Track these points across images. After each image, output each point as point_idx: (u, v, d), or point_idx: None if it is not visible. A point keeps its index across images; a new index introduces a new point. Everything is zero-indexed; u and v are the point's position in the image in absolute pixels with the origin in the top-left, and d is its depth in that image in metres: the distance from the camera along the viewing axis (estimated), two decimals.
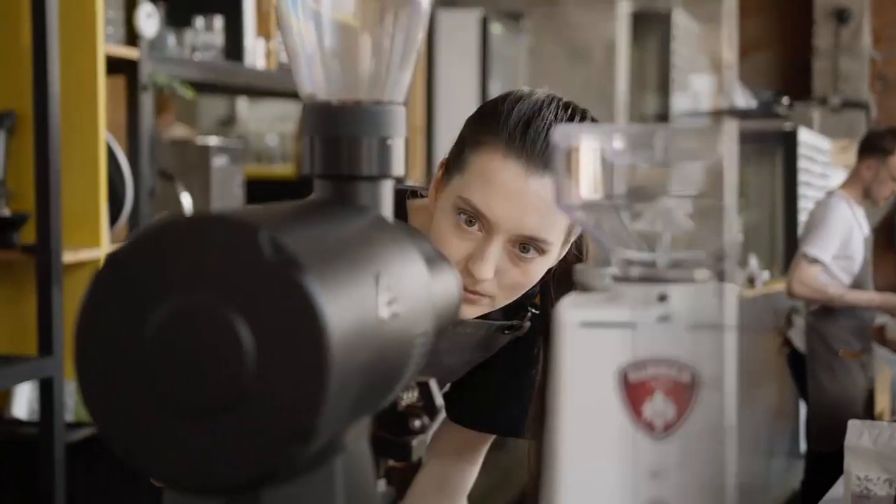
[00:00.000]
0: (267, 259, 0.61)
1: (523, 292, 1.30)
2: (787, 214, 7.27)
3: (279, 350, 0.61)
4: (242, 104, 6.35)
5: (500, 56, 4.95)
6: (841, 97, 8.69)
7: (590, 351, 0.69)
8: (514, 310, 1.40)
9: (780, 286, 6.69)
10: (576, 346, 0.70)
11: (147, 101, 2.75)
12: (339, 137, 0.80)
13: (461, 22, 4.94)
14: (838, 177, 8.60)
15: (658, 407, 0.68)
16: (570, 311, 0.70)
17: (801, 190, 7.13)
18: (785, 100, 6.44)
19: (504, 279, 1.27)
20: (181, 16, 3.10)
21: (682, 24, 7.49)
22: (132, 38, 2.73)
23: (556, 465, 0.70)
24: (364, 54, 0.83)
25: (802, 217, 7.28)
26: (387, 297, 0.70)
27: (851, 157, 8.54)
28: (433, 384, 0.90)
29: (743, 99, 5.66)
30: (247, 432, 0.61)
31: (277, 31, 3.02)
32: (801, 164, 7.04)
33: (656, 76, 7.37)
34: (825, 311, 4.41)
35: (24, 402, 2.65)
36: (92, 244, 2.55)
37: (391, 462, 0.93)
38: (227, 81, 3.25)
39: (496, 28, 5.06)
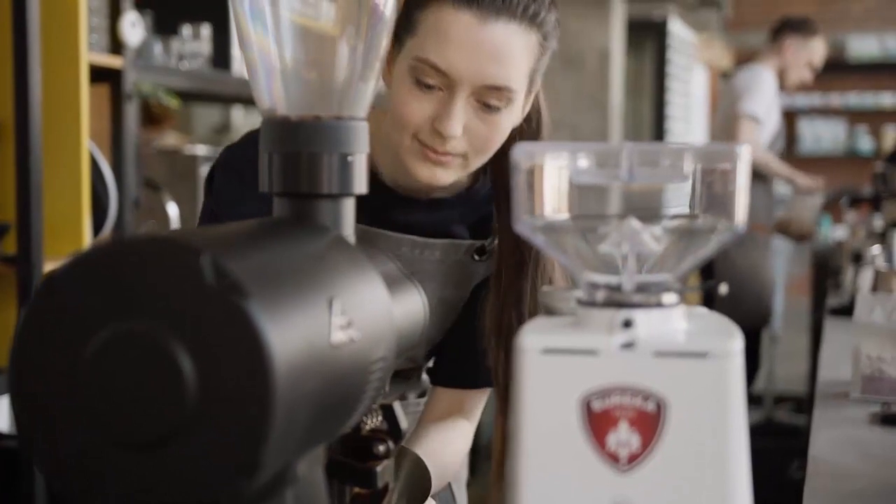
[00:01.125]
0: (209, 284, 0.58)
1: (493, 151, 1.28)
2: (656, 106, 7.33)
3: (221, 379, 0.58)
4: (237, 112, 6.33)
5: None
6: None
7: (552, 378, 0.67)
8: (480, 231, 1.39)
9: None
10: (538, 374, 0.67)
11: (131, 111, 2.73)
12: (298, 153, 0.78)
13: None
14: (700, 72, 8.72)
15: (622, 437, 0.66)
16: (531, 337, 0.67)
17: (667, 82, 7.22)
18: None
19: (473, 136, 1.25)
20: (168, 24, 3.07)
21: (678, 32, 7.49)
22: (117, 46, 2.70)
23: (517, 497, 0.67)
24: (324, 68, 0.80)
25: (669, 111, 7.37)
26: (341, 321, 0.67)
27: (714, 52, 8.64)
28: (397, 407, 0.87)
29: None
30: (188, 465, 0.58)
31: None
32: (669, 55, 7.11)
33: (651, 82, 7.37)
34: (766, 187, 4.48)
35: (5, 413, 2.62)
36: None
37: (356, 489, 0.90)
38: (215, 90, 3.23)
39: None
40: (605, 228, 0.68)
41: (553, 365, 0.66)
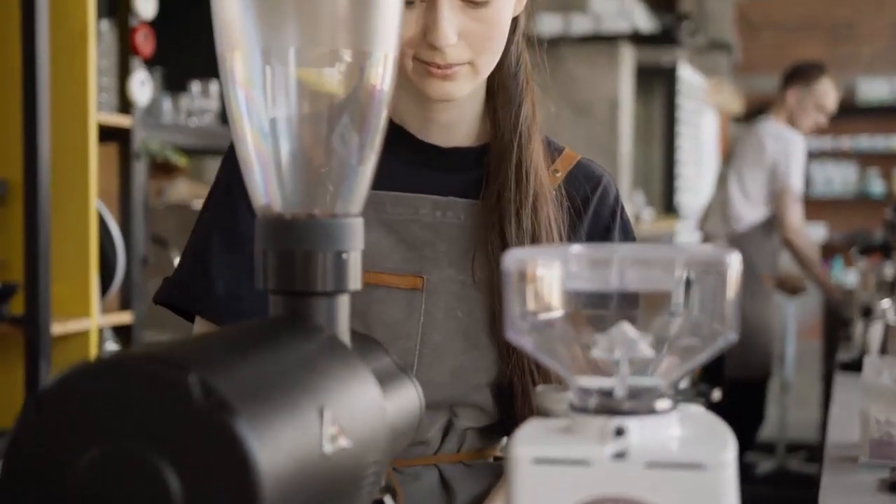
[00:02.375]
0: (196, 403, 0.58)
1: (501, 48, 1.20)
2: (666, 151, 7.33)
3: (209, 499, 0.58)
4: None
5: None
6: (706, 38, 8.76)
7: (545, 488, 0.66)
8: None
9: (666, 225, 6.72)
10: (530, 484, 0.66)
11: (140, 169, 2.74)
12: (292, 251, 0.78)
13: None
14: (710, 116, 8.76)
15: None
16: (523, 447, 0.67)
17: (677, 127, 7.23)
18: (687, 25, 6.39)
19: (471, 38, 1.17)
20: (177, 80, 3.09)
21: (687, 77, 7.51)
22: (126, 105, 2.72)
23: None
24: (319, 165, 0.80)
25: (679, 155, 7.37)
26: (332, 430, 0.67)
27: (724, 96, 8.69)
28: (388, 501, 0.86)
29: (644, 20, 5.62)
30: None
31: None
32: (679, 100, 7.12)
33: (661, 128, 7.39)
34: (749, 235, 4.44)
35: None
36: (82, 315, 2.53)
37: None
38: (224, 146, 3.24)
39: None
40: (597, 335, 0.68)
41: (545, 475, 0.66)
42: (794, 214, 4.34)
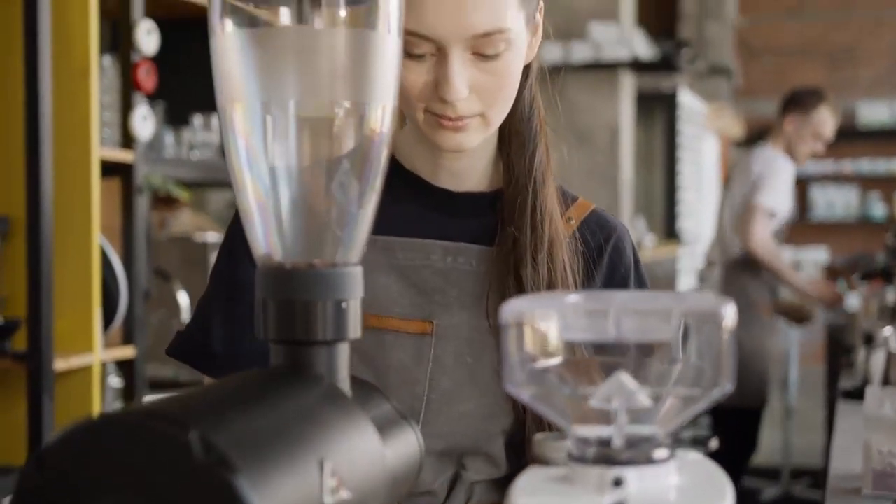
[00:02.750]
0: (197, 460, 0.59)
1: (513, 98, 1.19)
2: (667, 177, 7.33)
3: None
4: None
5: None
6: (706, 63, 8.79)
7: None
8: None
9: (668, 250, 6.74)
10: None
11: (142, 203, 2.75)
12: (292, 301, 0.78)
13: None
14: (711, 141, 8.79)
15: None
16: (522, 497, 0.67)
17: (678, 153, 7.24)
18: (686, 52, 6.40)
19: (481, 91, 1.16)
20: (179, 114, 3.11)
21: (687, 102, 7.54)
22: (128, 140, 2.74)
23: None
24: (319, 215, 0.81)
25: (682, 180, 7.38)
26: (333, 482, 0.67)
27: (725, 121, 8.73)
28: None
29: (644, 48, 5.64)
30: None
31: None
32: (679, 126, 7.13)
33: (662, 153, 7.41)
34: (745, 263, 4.45)
35: None
36: (85, 350, 2.53)
37: None
38: (224, 179, 3.26)
39: None
40: (594, 385, 0.68)
41: None
42: (758, 226, 4.32)
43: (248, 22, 0.79)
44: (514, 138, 1.27)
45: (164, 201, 3.71)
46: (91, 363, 2.56)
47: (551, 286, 1.21)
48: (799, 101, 4.52)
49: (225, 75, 0.80)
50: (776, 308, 4.70)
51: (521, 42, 1.18)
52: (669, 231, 7.43)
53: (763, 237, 4.32)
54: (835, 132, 4.58)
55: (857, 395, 2.84)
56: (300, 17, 0.79)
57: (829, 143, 4.67)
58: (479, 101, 1.16)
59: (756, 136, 10.06)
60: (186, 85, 3.13)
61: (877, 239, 9.17)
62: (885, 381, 2.83)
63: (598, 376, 0.71)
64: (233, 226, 1.31)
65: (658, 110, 7.29)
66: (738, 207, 4.47)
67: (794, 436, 5.53)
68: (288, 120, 0.79)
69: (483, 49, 1.14)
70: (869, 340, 3.29)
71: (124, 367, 2.81)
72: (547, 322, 0.70)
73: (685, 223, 7.64)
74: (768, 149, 4.54)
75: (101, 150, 2.60)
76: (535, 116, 1.28)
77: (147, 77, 2.71)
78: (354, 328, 0.80)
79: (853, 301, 5.30)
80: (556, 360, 0.71)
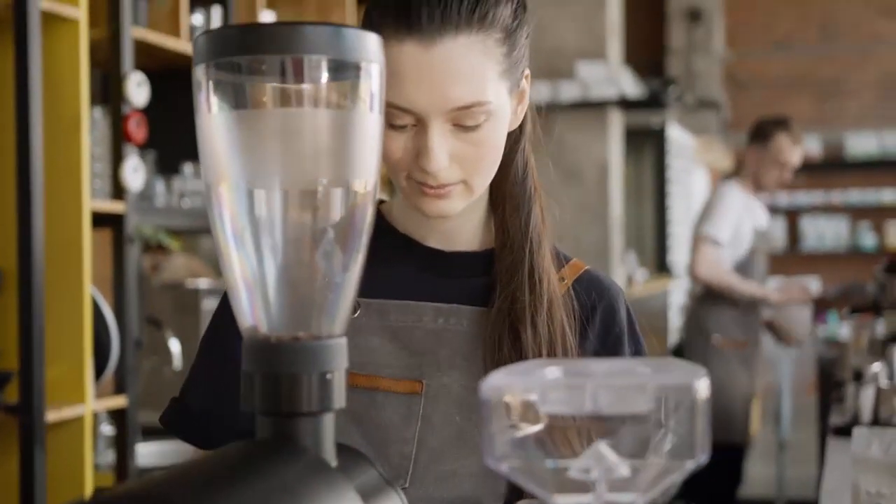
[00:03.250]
0: None
1: (495, 166, 1.20)
2: (657, 211, 7.36)
3: None
4: None
5: None
6: (695, 96, 8.84)
7: None
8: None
9: (659, 285, 6.75)
10: None
11: (133, 254, 2.77)
12: (278, 374, 0.80)
13: None
14: (700, 174, 8.83)
15: None
16: None
17: (668, 187, 7.27)
18: (673, 89, 6.44)
19: (462, 160, 1.17)
20: (170, 163, 3.13)
21: (676, 137, 7.58)
22: (119, 190, 2.76)
23: None
24: (303, 290, 0.83)
25: (672, 214, 7.41)
26: None
27: (714, 154, 8.76)
28: None
29: (631, 86, 5.67)
30: None
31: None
32: (669, 160, 7.17)
33: (652, 188, 7.45)
34: (707, 297, 4.47)
35: None
36: (77, 401, 2.54)
37: None
38: None
39: None
40: (574, 456, 0.70)
41: None
42: (700, 255, 4.36)
43: (232, 103, 0.81)
44: (507, 200, 1.28)
45: (157, 246, 3.72)
46: (83, 414, 2.56)
47: (552, 347, 1.22)
48: (758, 132, 4.55)
49: (211, 154, 0.82)
50: (767, 325, 4.71)
51: (504, 111, 1.19)
52: (661, 265, 7.46)
53: (705, 262, 4.36)
54: (799, 160, 4.57)
55: (846, 431, 2.84)
56: (283, 98, 0.81)
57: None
58: (461, 169, 1.18)
59: None
60: (177, 134, 3.15)
61: (867, 269, 9.20)
62: (875, 418, 2.85)
63: (578, 446, 0.73)
64: (224, 299, 1.32)
65: (647, 145, 7.34)
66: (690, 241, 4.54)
67: (788, 468, 5.54)
68: (273, 198, 0.81)
69: (463, 121, 1.15)
70: (858, 377, 3.31)
71: (116, 415, 2.82)
72: (526, 396, 0.72)
73: (676, 256, 7.67)
74: (730, 181, 4.59)
75: (93, 201, 2.62)
76: (528, 178, 1.29)
77: (138, 129, 2.74)
78: (339, 398, 0.82)
79: (844, 331, 5.31)
80: (534, 434, 0.72)
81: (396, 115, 1.14)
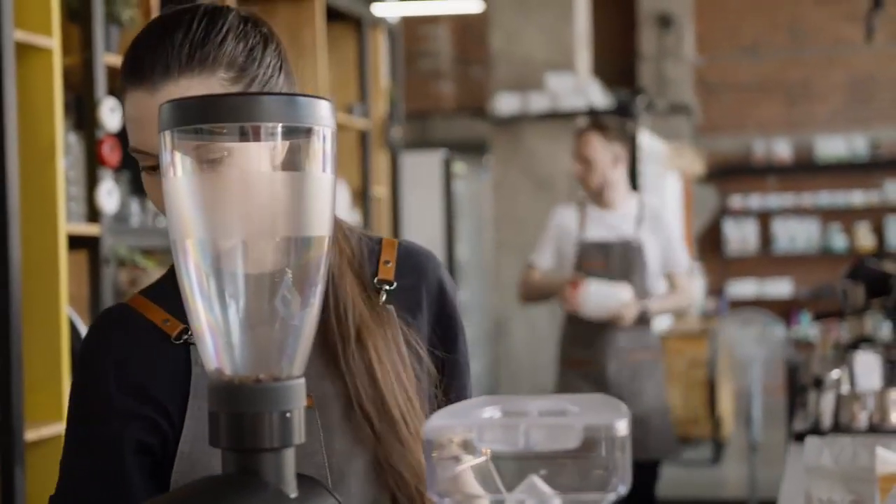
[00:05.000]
0: None
1: None
2: None
3: None
4: None
5: (464, 192, 5.08)
6: (666, 101, 8.95)
7: None
8: None
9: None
10: None
11: (109, 274, 2.83)
12: (241, 414, 0.87)
13: (425, 162, 5.07)
14: (673, 179, 8.94)
15: None
16: None
17: (640, 193, 7.35)
18: (641, 99, 6.47)
19: None
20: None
21: (648, 144, 7.68)
22: (94, 213, 2.82)
23: None
24: (264, 335, 0.90)
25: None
26: None
27: (685, 159, 8.84)
28: None
29: (600, 97, 5.70)
30: None
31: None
32: (640, 167, 7.27)
33: None
34: (566, 318, 4.26)
35: None
36: (55, 419, 2.60)
37: None
38: None
39: (459, 166, 5.19)
40: (510, 494, 0.78)
41: None
42: (522, 280, 4.32)
43: (195, 166, 0.89)
44: None
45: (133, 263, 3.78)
46: (61, 432, 2.62)
47: (370, 368, 1.27)
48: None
49: (177, 212, 0.89)
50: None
51: (247, 148, 1.19)
52: None
53: (522, 286, 4.29)
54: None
55: (808, 436, 2.91)
56: (242, 161, 0.88)
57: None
58: None
59: (718, 171, 10.26)
60: None
61: (838, 270, 9.33)
62: (836, 424, 2.92)
63: (512, 478, 0.80)
64: (83, 371, 1.31)
65: None
66: None
67: (760, 469, 5.63)
68: (234, 251, 0.89)
69: (203, 157, 1.17)
70: (818, 383, 3.38)
71: None
72: (466, 435, 0.79)
73: None
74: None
75: (68, 224, 2.68)
76: None
77: (111, 153, 2.80)
78: (299, 434, 0.89)
79: (815, 331, 5.40)
80: (472, 470, 0.80)
81: (143, 158, 1.21)
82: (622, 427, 0.77)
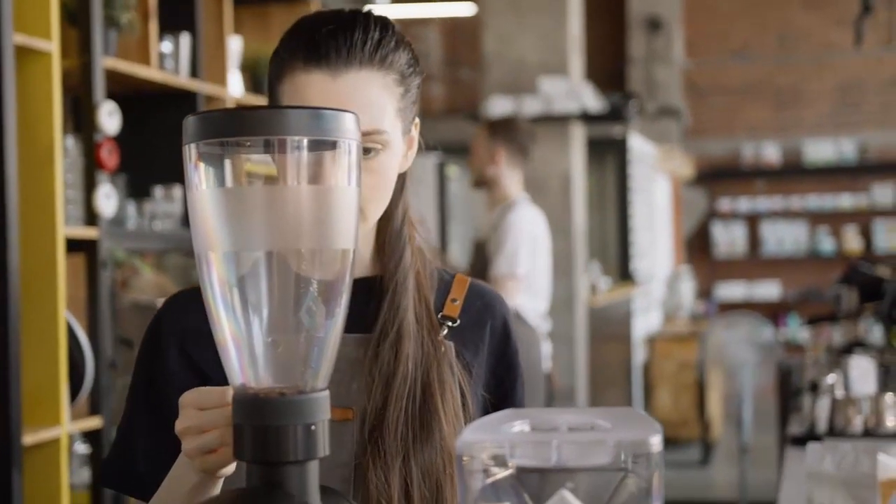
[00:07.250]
0: None
1: (388, 198, 1.27)
2: (620, 220, 7.49)
3: None
4: None
5: (458, 196, 5.07)
6: (655, 104, 8.97)
7: None
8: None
9: (622, 292, 6.84)
10: None
11: (106, 277, 2.82)
12: (266, 427, 0.87)
13: (418, 167, 5.03)
14: (662, 181, 8.96)
15: None
16: None
17: (630, 196, 7.39)
18: (633, 103, 6.48)
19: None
20: (141, 187, 3.19)
21: (638, 146, 7.69)
22: (92, 216, 2.81)
23: None
24: (289, 350, 0.90)
25: (634, 222, 7.52)
26: None
27: (675, 162, 8.84)
28: None
29: (592, 100, 5.71)
30: None
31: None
32: (630, 169, 7.29)
33: (615, 197, 7.56)
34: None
35: None
36: (52, 423, 2.59)
37: None
38: (186, 246, 3.33)
39: (452, 171, 5.18)
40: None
41: None
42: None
43: (220, 180, 0.88)
44: (387, 245, 1.34)
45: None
46: (59, 436, 2.61)
47: (391, 378, 1.27)
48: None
49: (201, 225, 0.89)
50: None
51: (398, 147, 1.27)
52: (623, 272, 7.55)
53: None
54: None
55: (804, 441, 2.91)
56: (267, 175, 0.88)
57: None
58: None
59: (707, 174, 10.29)
60: (147, 158, 3.21)
61: (826, 273, 9.39)
62: (831, 428, 2.93)
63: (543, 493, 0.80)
64: (147, 342, 1.34)
65: (609, 155, 7.44)
66: None
67: (750, 472, 5.64)
68: (258, 264, 0.89)
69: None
70: (814, 387, 3.38)
71: (91, 436, 2.87)
72: (497, 451, 0.79)
73: (639, 263, 7.78)
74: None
75: (66, 228, 2.67)
76: (405, 227, 1.35)
77: (109, 156, 2.79)
78: (323, 447, 0.89)
79: (804, 334, 5.41)
80: (504, 485, 0.80)
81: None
82: (656, 443, 0.77)
